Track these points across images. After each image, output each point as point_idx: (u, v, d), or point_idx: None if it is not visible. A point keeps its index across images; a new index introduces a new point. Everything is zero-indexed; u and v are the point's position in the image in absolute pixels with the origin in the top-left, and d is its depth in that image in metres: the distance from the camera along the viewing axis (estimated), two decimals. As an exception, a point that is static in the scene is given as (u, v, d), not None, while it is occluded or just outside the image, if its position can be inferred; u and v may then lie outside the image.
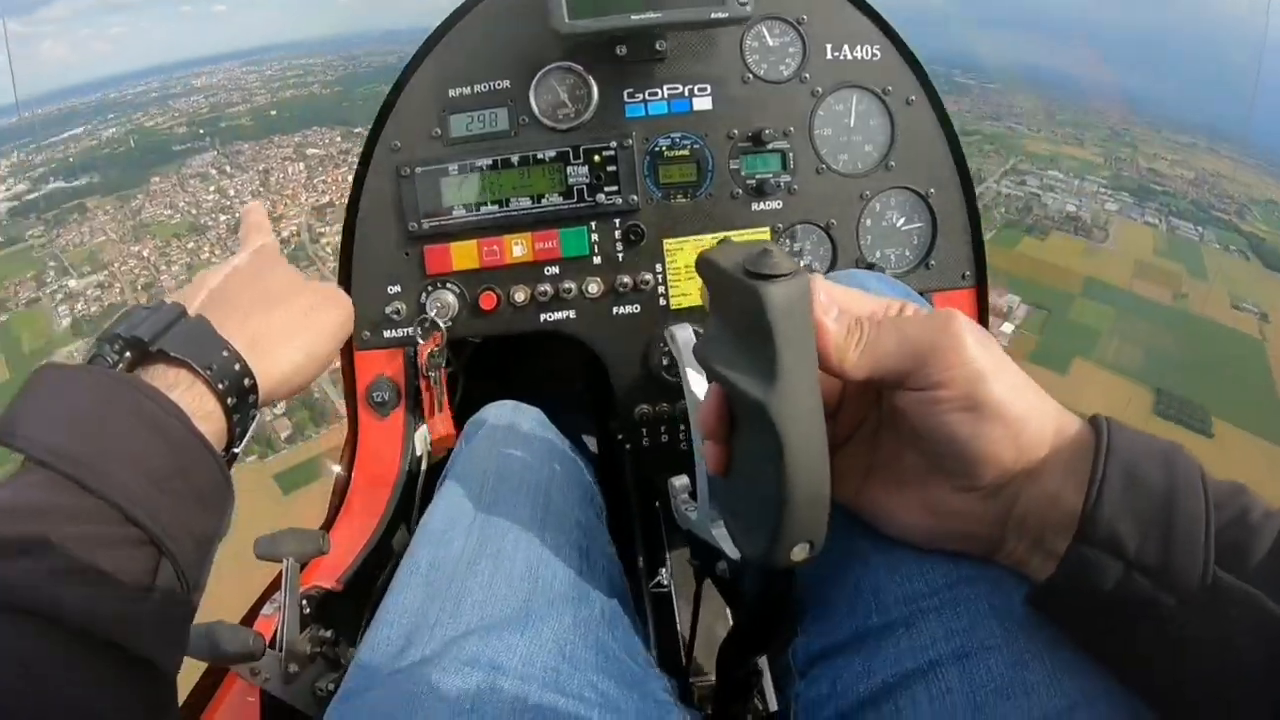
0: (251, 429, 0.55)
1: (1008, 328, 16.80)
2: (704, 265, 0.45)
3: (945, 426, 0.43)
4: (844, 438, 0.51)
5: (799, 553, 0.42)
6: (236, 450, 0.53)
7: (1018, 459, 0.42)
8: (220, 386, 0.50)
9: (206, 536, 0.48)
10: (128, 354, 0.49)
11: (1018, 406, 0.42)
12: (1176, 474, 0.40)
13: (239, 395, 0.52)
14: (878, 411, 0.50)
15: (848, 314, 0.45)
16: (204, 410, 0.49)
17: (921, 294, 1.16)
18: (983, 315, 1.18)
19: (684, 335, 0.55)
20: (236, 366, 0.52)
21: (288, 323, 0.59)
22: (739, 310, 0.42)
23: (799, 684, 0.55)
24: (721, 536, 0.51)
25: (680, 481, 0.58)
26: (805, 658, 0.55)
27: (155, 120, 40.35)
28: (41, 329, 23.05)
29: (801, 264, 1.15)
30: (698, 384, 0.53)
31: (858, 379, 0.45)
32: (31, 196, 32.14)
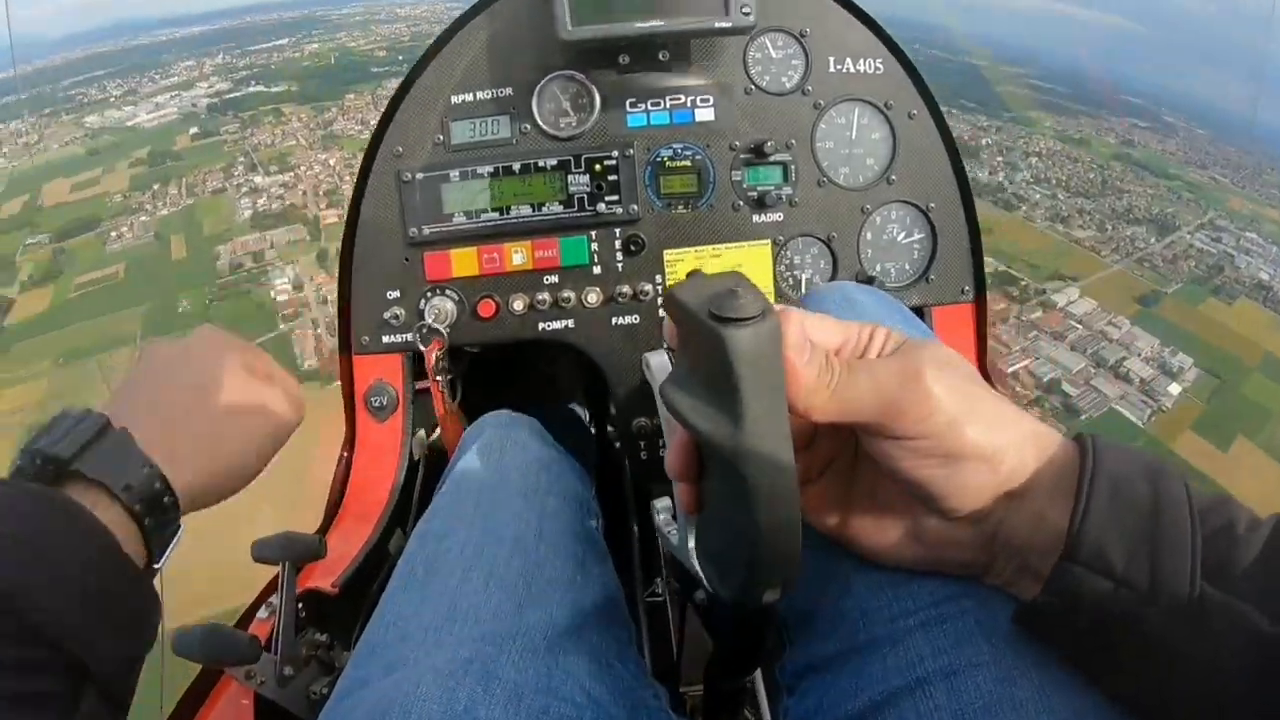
0: (178, 537, 0.54)
1: (1175, 389, 16.22)
2: (669, 303, 0.43)
3: (920, 471, 0.42)
4: (821, 469, 0.50)
5: (770, 595, 0.41)
6: (157, 566, 0.53)
7: (1000, 487, 0.42)
8: (137, 507, 0.50)
9: (134, 656, 0.48)
10: (50, 468, 0.48)
11: (996, 441, 0.42)
12: (1162, 489, 0.40)
13: (157, 512, 0.51)
14: (855, 442, 0.49)
15: (819, 352, 0.43)
16: (123, 532, 0.49)
17: (921, 308, 1.17)
18: (981, 329, 1.18)
19: (658, 362, 0.54)
20: (156, 485, 0.51)
21: (215, 432, 0.58)
22: (705, 353, 0.40)
23: (787, 699, 0.56)
24: (698, 568, 0.50)
25: (663, 503, 0.58)
26: (793, 672, 0.56)
27: (358, 42, 43.17)
28: (224, 216, 24.86)
29: (804, 276, 1.15)
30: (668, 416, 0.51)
31: (826, 423, 0.44)
32: (232, 95, 35.05)
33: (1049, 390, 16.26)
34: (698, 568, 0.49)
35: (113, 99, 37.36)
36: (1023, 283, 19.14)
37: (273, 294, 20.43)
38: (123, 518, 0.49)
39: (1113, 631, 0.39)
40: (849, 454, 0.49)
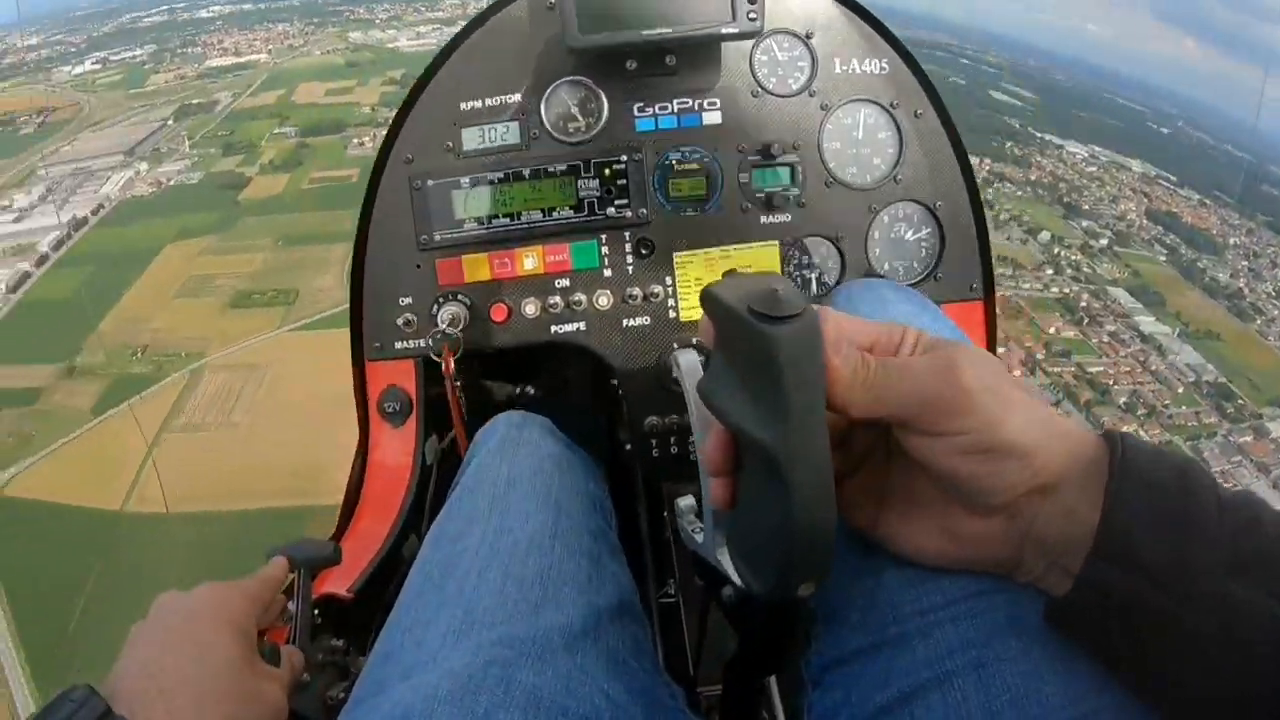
0: None
1: None
2: (709, 301, 0.44)
3: (956, 468, 0.43)
4: (854, 465, 0.51)
5: (805, 589, 0.42)
6: None
7: (1033, 482, 0.42)
8: None
9: None
10: None
11: (1030, 438, 0.42)
12: (1189, 484, 0.40)
13: None
14: (888, 439, 0.50)
15: (855, 349, 0.44)
16: None
17: None
18: (990, 325, 1.18)
19: (688, 361, 0.55)
20: None
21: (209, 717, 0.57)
22: (746, 351, 0.41)
23: (812, 693, 0.55)
24: (727, 564, 0.50)
25: (686, 502, 0.58)
26: (819, 666, 0.55)
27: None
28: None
29: (812, 276, 1.16)
30: (703, 413, 0.52)
31: (861, 418, 0.45)
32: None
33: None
34: (727, 564, 0.49)
35: (378, 21, 39.60)
36: (1239, 401, 17.38)
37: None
38: None
39: (1142, 628, 0.39)
40: (882, 451, 0.50)
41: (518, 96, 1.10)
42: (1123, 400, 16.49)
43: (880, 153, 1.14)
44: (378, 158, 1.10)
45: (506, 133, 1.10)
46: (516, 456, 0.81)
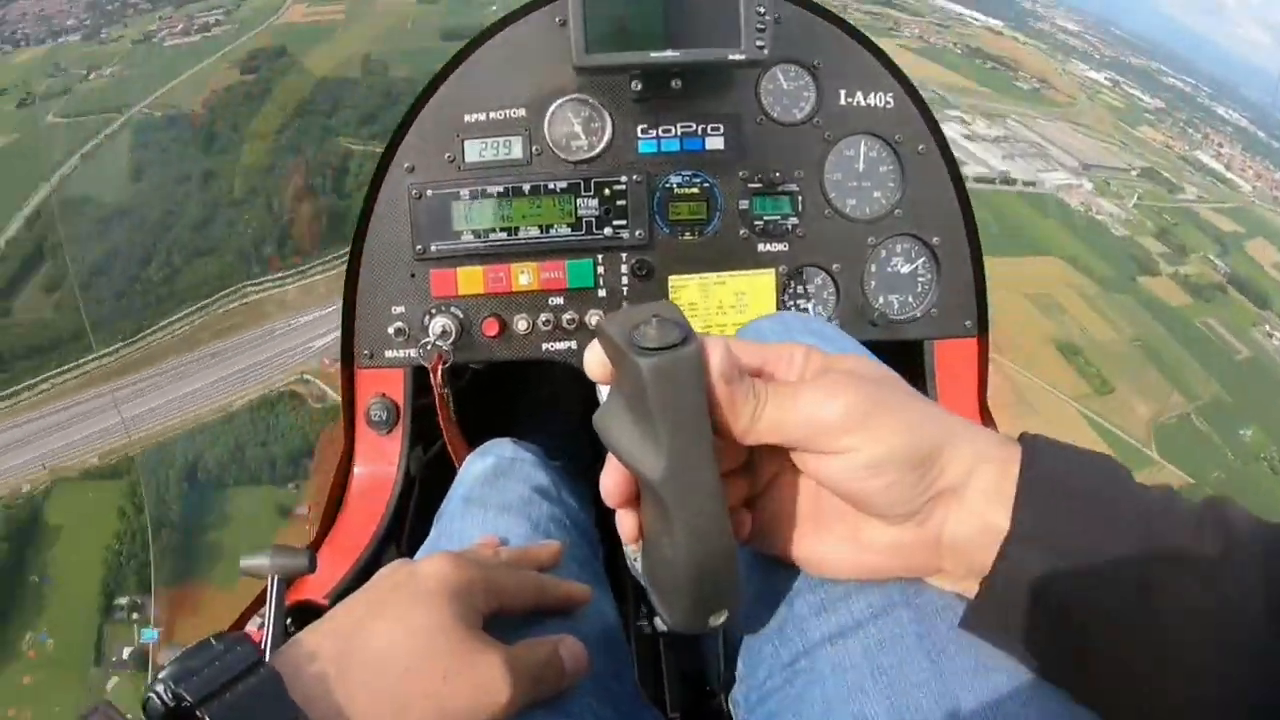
0: None
1: None
2: (598, 333, 0.43)
3: (852, 484, 0.43)
4: (762, 490, 0.50)
5: (715, 619, 0.41)
6: None
7: (935, 488, 0.42)
8: None
9: None
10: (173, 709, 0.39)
11: (921, 445, 0.42)
12: (1104, 474, 0.40)
13: None
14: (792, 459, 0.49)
15: (746, 377, 0.43)
16: None
17: (923, 341, 1.17)
18: (983, 364, 1.18)
19: (604, 393, 0.55)
20: None
21: (399, 700, 0.43)
22: (628, 383, 0.40)
23: None
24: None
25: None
26: (745, 707, 0.55)
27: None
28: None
29: (808, 306, 1.15)
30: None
31: (753, 444, 0.44)
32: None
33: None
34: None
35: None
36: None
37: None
38: None
39: (1061, 616, 0.39)
40: (789, 473, 0.49)
41: (522, 112, 1.10)
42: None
43: (881, 186, 1.14)
44: (379, 164, 1.10)
45: (509, 147, 1.10)
46: (507, 484, 0.82)
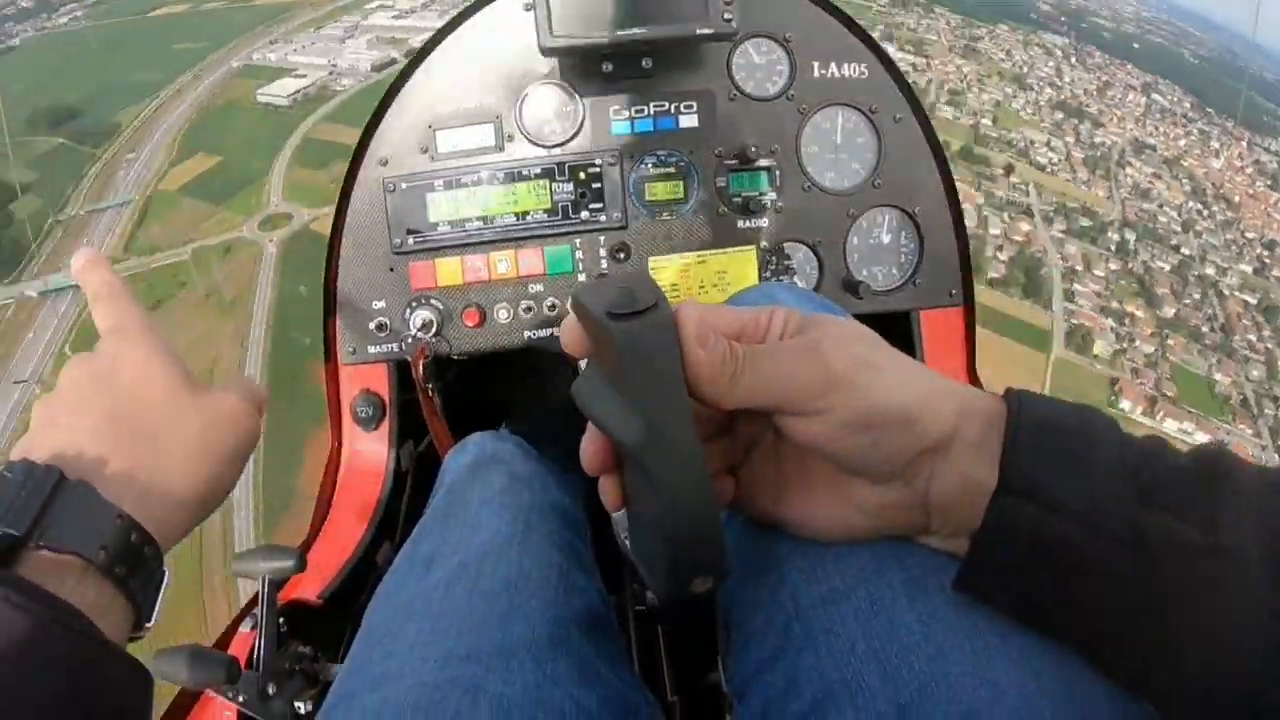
0: (165, 585, 0.47)
1: None
2: (572, 304, 0.43)
3: (836, 443, 0.42)
4: (745, 452, 0.50)
5: (699, 585, 0.41)
6: (149, 625, 0.46)
7: (920, 444, 0.42)
8: (118, 570, 0.42)
9: None
10: (4, 546, 0.40)
11: (906, 402, 0.41)
12: (1091, 424, 0.40)
13: (140, 567, 0.44)
14: (774, 423, 0.49)
15: (722, 340, 0.43)
16: (102, 601, 0.42)
17: (908, 313, 1.17)
18: (970, 332, 1.17)
19: (584, 364, 0.55)
20: (133, 536, 0.44)
21: (185, 455, 0.49)
22: (603, 351, 0.41)
23: (738, 707, 0.55)
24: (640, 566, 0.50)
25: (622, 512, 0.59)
26: (740, 680, 0.55)
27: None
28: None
29: (793, 280, 1.15)
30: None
31: (733, 409, 0.43)
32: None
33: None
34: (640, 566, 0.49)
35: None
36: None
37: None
38: (102, 585, 0.43)
39: (1053, 568, 0.39)
40: (770, 436, 0.49)
41: (494, 99, 1.08)
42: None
43: (859, 157, 1.13)
44: (352, 158, 1.09)
45: (482, 135, 1.08)
46: (489, 475, 0.81)
